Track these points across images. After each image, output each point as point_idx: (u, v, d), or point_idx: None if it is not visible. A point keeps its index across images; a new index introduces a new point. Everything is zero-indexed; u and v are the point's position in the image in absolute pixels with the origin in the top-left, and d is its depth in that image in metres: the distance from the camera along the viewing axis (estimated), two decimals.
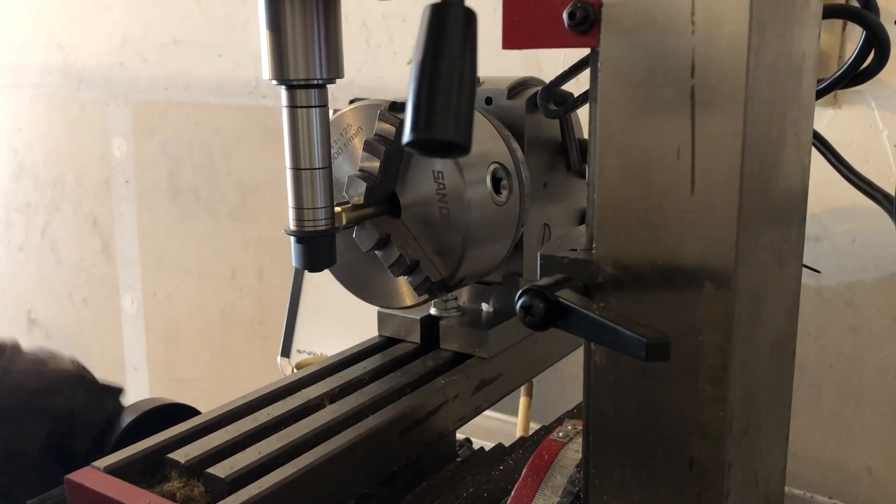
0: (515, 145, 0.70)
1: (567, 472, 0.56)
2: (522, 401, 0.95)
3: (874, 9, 0.58)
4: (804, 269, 0.54)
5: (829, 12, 0.57)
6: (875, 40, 0.56)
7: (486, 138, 0.68)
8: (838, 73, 0.59)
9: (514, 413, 0.96)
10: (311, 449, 0.58)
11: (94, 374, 0.83)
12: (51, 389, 0.77)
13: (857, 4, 0.58)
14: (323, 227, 0.61)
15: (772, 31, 0.42)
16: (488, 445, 0.75)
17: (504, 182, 0.67)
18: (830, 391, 0.92)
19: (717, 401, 0.43)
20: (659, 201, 0.43)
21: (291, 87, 0.58)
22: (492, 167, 0.66)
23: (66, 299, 1.86)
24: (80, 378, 0.80)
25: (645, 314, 0.44)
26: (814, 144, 0.61)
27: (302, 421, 0.62)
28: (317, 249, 0.62)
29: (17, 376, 0.77)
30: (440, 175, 0.64)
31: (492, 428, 1.01)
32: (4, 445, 0.76)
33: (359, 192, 0.64)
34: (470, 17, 0.39)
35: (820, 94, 0.60)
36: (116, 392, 0.83)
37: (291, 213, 0.61)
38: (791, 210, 0.49)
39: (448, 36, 0.38)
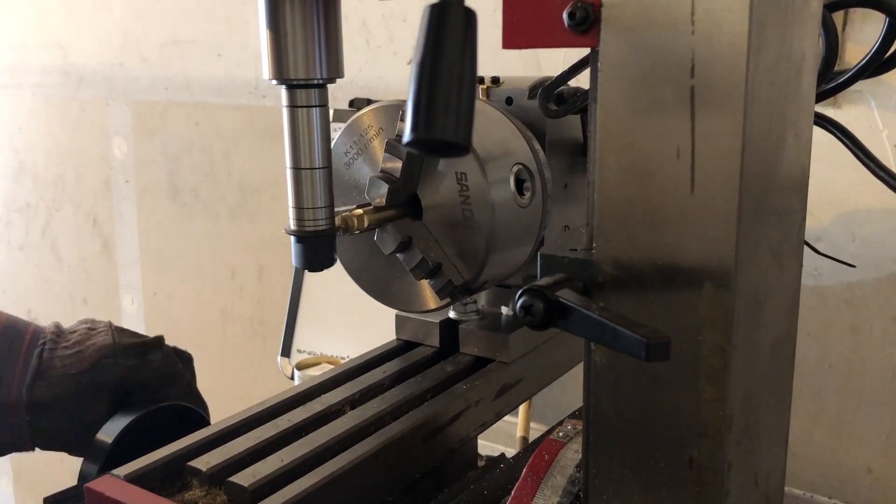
0: (537, 146, 0.69)
1: (567, 471, 0.56)
2: None
3: None
4: (841, 264, 0.53)
5: (847, 1, 0.56)
6: None
7: (509, 138, 0.67)
8: (862, 63, 0.58)
9: (514, 413, 0.96)
10: (335, 457, 0.57)
11: (132, 333, 0.86)
12: (96, 367, 0.80)
13: None
14: (323, 227, 0.61)
15: (772, 31, 0.42)
16: (488, 445, 0.75)
17: (527, 183, 0.66)
18: (830, 391, 0.92)
19: (717, 401, 0.43)
20: (659, 201, 0.43)
21: (291, 87, 0.58)
22: (515, 168, 0.65)
23: (66, 299, 1.86)
24: (119, 347, 0.82)
25: (645, 314, 0.44)
26: (841, 140, 0.61)
27: (323, 427, 0.61)
28: (317, 249, 0.61)
29: (61, 363, 0.80)
30: (463, 176, 0.63)
31: (492, 427, 1.01)
32: (75, 423, 0.79)
33: (380, 193, 0.63)
34: (470, 17, 0.39)
35: (844, 86, 0.59)
36: (158, 345, 0.86)
37: (291, 213, 0.61)
38: (791, 210, 0.49)
39: (448, 36, 0.38)
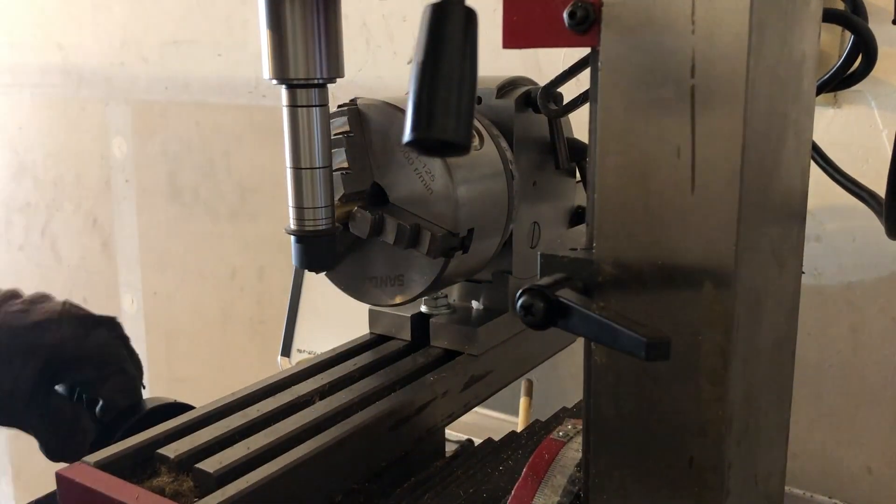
0: (505, 144, 0.70)
1: (567, 471, 0.56)
2: (523, 401, 0.95)
3: (862, 13, 0.58)
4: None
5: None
6: (863, 44, 0.56)
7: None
8: (826, 76, 0.59)
9: (515, 413, 0.96)
10: (300, 444, 0.58)
11: (88, 310, 0.85)
12: (37, 327, 0.80)
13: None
14: (323, 227, 0.61)
15: (772, 31, 0.42)
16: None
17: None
18: (830, 391, 0.92)
19: (717, 401, 0.44)
20: (659, 201, 0.43)
21: (292, 87, 0.58)
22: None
23: (67, 299, 1.85)
24: (67, 314, 0.82)
25: (645, 314, 0.44)
26: None
27: (291, 417, 0.62)
28: (317, 249, 0.62)
29: (5, 318, 0.79)
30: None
31: (493, 427, 1.01)
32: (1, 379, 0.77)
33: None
34: (470, 17, 0.39)
35: None
36: (109, 322, 0.85)
37: (292, 213, 0.61)
38: (791, 210, 0.50)
39: (448, 35, 0.38)
